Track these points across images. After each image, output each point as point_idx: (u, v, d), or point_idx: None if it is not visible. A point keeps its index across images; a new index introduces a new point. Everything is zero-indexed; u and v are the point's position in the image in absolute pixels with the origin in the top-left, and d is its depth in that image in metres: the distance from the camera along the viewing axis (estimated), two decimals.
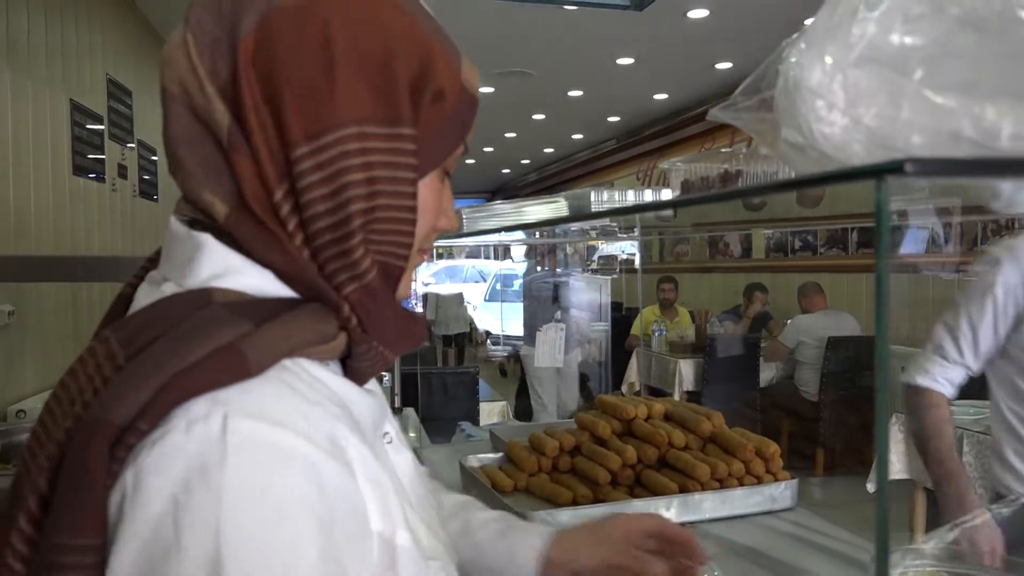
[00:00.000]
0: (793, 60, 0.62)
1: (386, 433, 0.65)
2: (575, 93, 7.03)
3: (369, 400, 0.61)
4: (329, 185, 0.53)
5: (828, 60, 0.53)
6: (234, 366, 0.48)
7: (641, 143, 8.80)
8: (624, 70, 6.11)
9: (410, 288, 0.66)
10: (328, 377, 0.56)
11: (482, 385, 3.53)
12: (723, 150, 1.08)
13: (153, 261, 0.61)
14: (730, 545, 1.37)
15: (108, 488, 0.45)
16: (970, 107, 0.48)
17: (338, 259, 0.55)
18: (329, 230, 0.54)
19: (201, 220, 0.56)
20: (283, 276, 0.55)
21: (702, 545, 0.85)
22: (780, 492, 1.50)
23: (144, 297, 0.57)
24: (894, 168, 0.44)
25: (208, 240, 0.55)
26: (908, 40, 0.50)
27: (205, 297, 0.53)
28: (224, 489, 0.44)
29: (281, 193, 0.53)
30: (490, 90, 6.78)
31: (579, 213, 1.38)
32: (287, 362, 0.52)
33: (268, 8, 0.54)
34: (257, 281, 0.55)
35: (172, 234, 0.57)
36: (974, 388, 3.75)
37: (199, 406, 0.47)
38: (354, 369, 0.59)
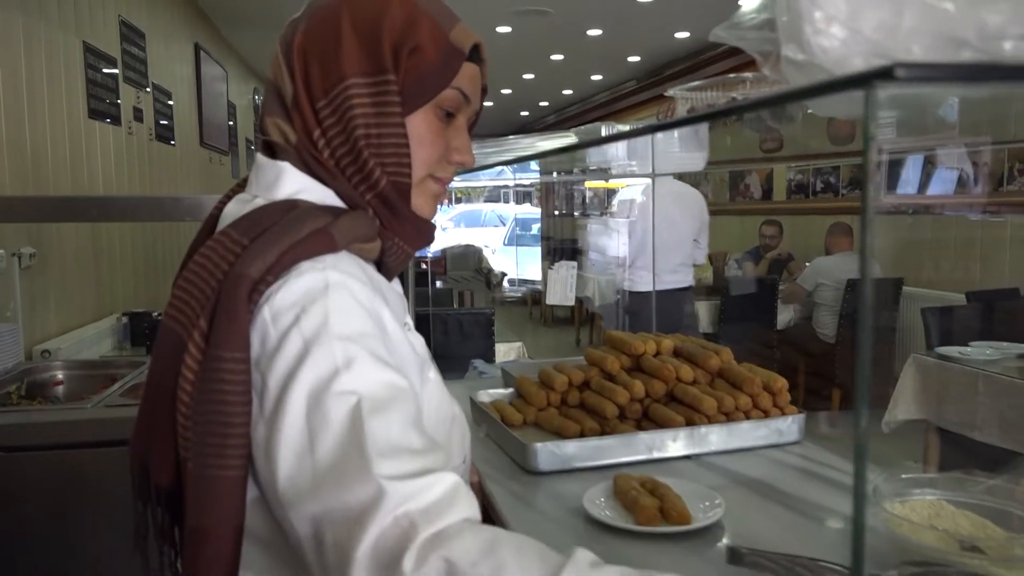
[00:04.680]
0: None
1: (407, 323, 0.87)
2: (594, 32, 6.86)
3: (395, 292, 0.87)
4: (340, 124, 0.78)
5: None
6: (326, 243, 0.74)
7: (662, 83, 8.60)
8: (644, 7, 5.94)
9: (432, 208, 0.86)
10: (371, 271, 0.81)
11: (497, 326, 3.55)
12: (731, 76, 1.06)
13: (235, 190, 0.86)
14: (736, 477, 1.39)
15: (249, 319, 0.69)
16: (972, 10, 0.46)
17: (357, 175, 0.79)
18: (347, 155, 0.79)
19: (278, 143, 0.81)
20: (339, 194, 0.80)
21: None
22: (787, 426, 1.51)
23: (236, 210, 0.80)
24: (883, 74, 0.43)
25: (287, 167, 0.80)
26: None
27: (293, 203, 0.78)
28: (329, 306, 0.70)
29: (318, 133, 0.79)
30: (507, 30, 6.64)
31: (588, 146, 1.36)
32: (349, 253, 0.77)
33: (311, 11, 0.81)
34: (322, 195, 0.80)
35: (259, 164, 0.83)
36: (993, 328, 3.70)
37: (307, 264, 0.72)
38: (386, 264, 0.84)
